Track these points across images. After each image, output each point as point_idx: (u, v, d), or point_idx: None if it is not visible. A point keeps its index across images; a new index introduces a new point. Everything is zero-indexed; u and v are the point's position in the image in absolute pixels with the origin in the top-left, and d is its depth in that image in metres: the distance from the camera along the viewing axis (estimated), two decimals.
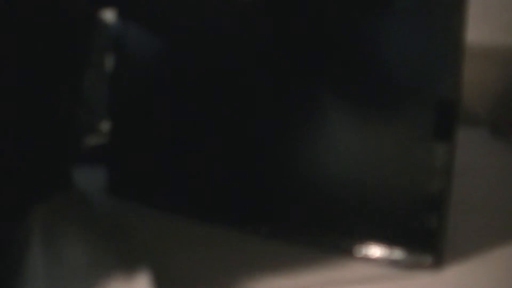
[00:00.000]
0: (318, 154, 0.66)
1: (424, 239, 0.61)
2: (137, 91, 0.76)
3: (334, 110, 0.65)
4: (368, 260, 0.63)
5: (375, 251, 0.63)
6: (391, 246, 0.62)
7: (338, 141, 0.65)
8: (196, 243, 0.65)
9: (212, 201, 0.71)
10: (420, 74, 0.61)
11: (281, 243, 0.66)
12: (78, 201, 0.63)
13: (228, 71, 0.70)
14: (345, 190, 0.65)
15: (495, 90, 1.32)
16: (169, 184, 0.73)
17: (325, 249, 0.64)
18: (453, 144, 0.60)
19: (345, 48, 0.64)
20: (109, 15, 0.84)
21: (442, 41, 0.61)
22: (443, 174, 0.60)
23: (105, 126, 0.87)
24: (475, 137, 1.10)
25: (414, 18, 0.61)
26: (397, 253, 0.62)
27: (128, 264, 0.55)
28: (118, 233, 0.57)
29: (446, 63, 0.60)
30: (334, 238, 0.65)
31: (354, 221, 0.65)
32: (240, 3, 0.68)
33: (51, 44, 0.65)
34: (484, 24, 1.32)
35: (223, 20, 0.70)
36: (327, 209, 0.66)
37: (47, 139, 0.66)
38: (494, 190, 0.83)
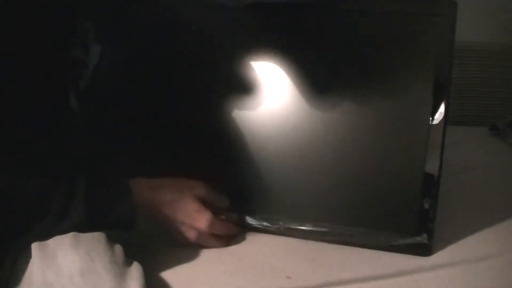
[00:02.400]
0: (315, 143, 0.67)
1: (418, 222, 0.63)
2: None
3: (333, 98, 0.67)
4: (362, 244, 0.64)
5: (369, 235, 0.64)
6: (384, 230, 0.64)
7: (334, 131, 0.67)
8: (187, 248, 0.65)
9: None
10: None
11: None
12: None
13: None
14: (340, 178, 0.66)
15: (495, 90, 1.32)
16: None
17: (320, 237, 0.65)
18: (445, 125, 0.63)
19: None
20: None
21: None
22: (435, 157, 0.63)
23: None
24: (475, 137, 1.10)
25: None
26: (391, 237, 0.63)
27: (120, 270, 0.55)
28: (109, 240, 0.58)
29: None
30: (328, 226, 0.66)
31: (348, 208, 0.66)
32: None
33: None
34: (484, 24, 1.32)
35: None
36: (324, 198, 0.67)
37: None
38: (494, 189, 0.83)
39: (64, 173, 0.59)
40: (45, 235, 0.56)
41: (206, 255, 0.64)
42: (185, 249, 0.64)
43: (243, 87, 0.71)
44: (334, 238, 0.66)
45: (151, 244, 0.66)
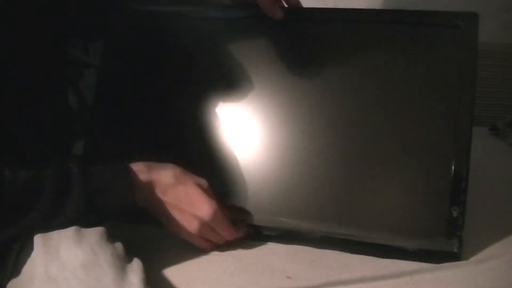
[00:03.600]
0: (341, 147, 0.67)
1: (447, 228, 0.62)
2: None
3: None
4: (392, 251, 0.63)
5: (398, 241, 0.63)
6: (412, 237, 0.63)
7: (365, 134, 0.67)
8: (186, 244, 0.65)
9: None
10: None
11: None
12: None
13: None
14: (370, 183, 0.66)
15: (495, 90, 1.32)
16: None
17: (349, 243, 0.65)
18: (471, 130, 0.64)
19: None
20: None
21: None
22: (464, 164, 0.63)
23: None
24: (475, 137, 1.09)
25: None
26: (421, 244, 0.63)
27: (121, 264, 0.55)
28: (110, 236, 0.58)
29: None
30: (357, 231, 0.65)
31: (377, 213, 0.65)
32: None
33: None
34: (484, 24, 1.32)
35: None
36: (353, 202, 0.66)
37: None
38: (494, 189, 0.83)
39: (58, 160, 0.57)
40: (41, 228, 0.56)
41: (206, 255, 0.64)
42: (185, 249, 0.64)
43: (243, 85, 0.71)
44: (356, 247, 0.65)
45: (151, 244, 0.66)
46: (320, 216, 0.66)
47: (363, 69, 0.69)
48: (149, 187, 0.61)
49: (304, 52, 0.72)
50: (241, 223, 0.67)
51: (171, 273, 0.61)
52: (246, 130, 0.71)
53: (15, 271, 0.57)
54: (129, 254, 0.58)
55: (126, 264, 0.56)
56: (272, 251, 0.65)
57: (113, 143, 0.76)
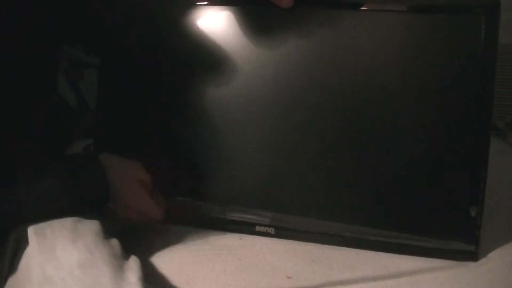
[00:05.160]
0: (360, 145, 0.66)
1: (465, 228, 0.62)
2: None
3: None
4: (409, 249, 0.63)
5: (417, 242, 0.63)
6: (432, 236, 0.63)
7: (391, 139, 0.65)
8: (185, 243, 0.65)
9: None
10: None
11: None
12: None
13: None
14: (391, 184, 0.65)
15: (495, 90, 1.32)
16: None
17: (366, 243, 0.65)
18: (489, 128, 0.62)
19: None
20: None
21: None
22: (482, 162, 0.62)
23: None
24: None
25: None
26: (439, 243, 0.63)
27: (118, 262, 0.55)
28: (106, 234, 0.58)
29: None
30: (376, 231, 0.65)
31: (396, 214, 0.65)
32: None
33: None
34: None
35: None
36: (372, 201, 0.66)
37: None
38: (494, 189, 0.83)
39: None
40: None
41: (206, 254, 0.64)
42: (186, 248, 0.64)
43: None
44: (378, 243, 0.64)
45: (151, 243, 0.66)
46: (334, 215, 0.66)
47: (375, 58, 0.66)
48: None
49: (314, 41, 0.68)
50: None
51: (171, 272, 0.61)
52: (249, 122, 0.70)
53: (11, 272, 0.57)
54: (127, 252, 0.58)
55: (123, 262, 0.56)
56: (272, 250, 0.65)
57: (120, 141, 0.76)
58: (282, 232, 0.67)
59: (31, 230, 0.57)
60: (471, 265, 0.61)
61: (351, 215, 0.66)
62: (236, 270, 0.61)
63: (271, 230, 0.67)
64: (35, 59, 0.68)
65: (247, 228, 0.68)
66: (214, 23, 0.72)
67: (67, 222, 0.58)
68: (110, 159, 0.64)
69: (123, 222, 0.65)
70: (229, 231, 0.68)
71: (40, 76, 0.71)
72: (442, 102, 0.64)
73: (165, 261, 0.62)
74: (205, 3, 0.72)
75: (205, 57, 0.71)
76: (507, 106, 1.30)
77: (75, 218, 0.59)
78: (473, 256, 0.62)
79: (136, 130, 0.75)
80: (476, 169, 0.62)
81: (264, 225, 0.67)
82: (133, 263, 0.56)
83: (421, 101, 0.64)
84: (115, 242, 0.58)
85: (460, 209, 0.62)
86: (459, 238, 0.62)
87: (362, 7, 0.66)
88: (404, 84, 0.65)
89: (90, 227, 0.57)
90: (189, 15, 0.72)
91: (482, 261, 0.62)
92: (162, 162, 0.71)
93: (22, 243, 0.57)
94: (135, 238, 0.66)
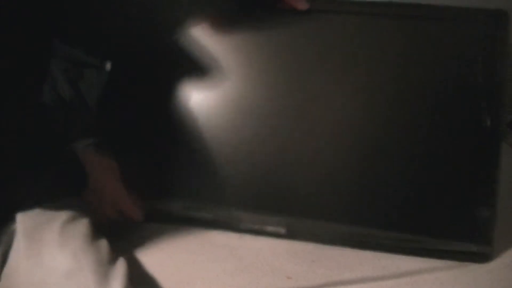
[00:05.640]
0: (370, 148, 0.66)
1: (479, 230, 0.62)
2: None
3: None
4: (423, 251, 0.63)
5: (430, 243, 0.63)
6: (446, 238, 0.63)
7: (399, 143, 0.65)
8: (174, 245, 0.65)
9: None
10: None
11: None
12: (58, 207, 0.64)
13: None
14: (403, 186, 0.65)
15: None
16: None
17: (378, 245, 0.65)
18: (501, 129, 0.63)
19: None
20: None
21: None
22: (495, 164, 0.62)
23: None
24: None
25: None
26: (452, 244, 0.63)
27: (104, 269, 0.55)
28: (95, 236, 0.58)
29: None
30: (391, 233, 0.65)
31: (409, 215, 0.65)
32: None
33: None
34: None
35: None
36: (385, 203, 0.66)
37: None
38: None
39: None
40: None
41: (206, 255, 0.64)
42: (186, 248, 0.64)
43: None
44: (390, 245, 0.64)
45: (151, 242, 0.66)
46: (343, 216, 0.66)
47: (384, 65, 0.67)
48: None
49: (326, 46, 0.69)
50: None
51: (171, 272, 0.61)
52: (259, 123, 0.70)
53: (0, 275, 0.57)
54: (127, 252, 0.58)
55: (109, 269, 0.56)
56: (272, 251, 0.65)
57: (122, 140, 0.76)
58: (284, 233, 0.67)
59: (20, 234, 0.57)
60: (471, 265, 0.62)
61: (371, 217, 0.65)
62: (236, 270, 0.61)
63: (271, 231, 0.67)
64: (30, 57, 0.68)
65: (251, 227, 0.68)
66: (218, 25, 0.72)
67: (56, 224, 0.58)
68: (90, 153, 0.65)
69: (101, 219, 0.64)
70: (230, 230, 0.68)
71: (33, 75, 0.71)
72: (452, 104, 0.64)
73: (165, 260, 0.62)
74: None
75: (205, 58, 0.72)
76: (507, 106, 1.30)
77: (64, 218, 0.59)
78: (486, 258, 0.62)
79: (135, 130, 0.75)
80: (490, 171, 0.62)
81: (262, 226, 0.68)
82: (120, 269, 0.56)
83: (431, 104, 0.65)
84: (103, 244, 0.58)
85: (474, 211, 0.62)
86: (472, 240, 0.62)
87: (374, 12, 0.68)
88: (414, 89, 0.66)
89: (79, 229, 0.57)
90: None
91: None
92: (163, 162, 0.71)
93: (10, 247, 0.57)
94: (137, 237, 0.66)
